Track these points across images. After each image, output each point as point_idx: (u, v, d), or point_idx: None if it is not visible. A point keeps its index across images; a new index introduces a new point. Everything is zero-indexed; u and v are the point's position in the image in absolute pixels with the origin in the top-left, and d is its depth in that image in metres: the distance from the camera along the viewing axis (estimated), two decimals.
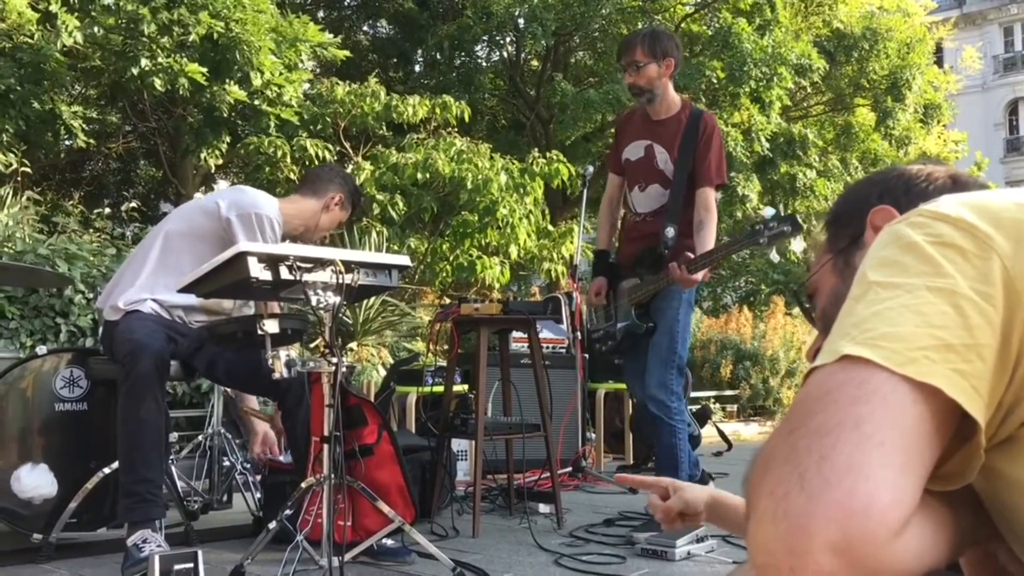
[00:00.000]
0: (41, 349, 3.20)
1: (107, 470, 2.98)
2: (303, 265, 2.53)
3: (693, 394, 7.67)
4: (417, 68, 14.51)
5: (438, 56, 13.00)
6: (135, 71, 7.25)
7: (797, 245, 3.40)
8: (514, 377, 4.04)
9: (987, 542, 0.84)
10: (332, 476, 2.54)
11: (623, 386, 5.63)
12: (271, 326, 2.68)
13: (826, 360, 0.70)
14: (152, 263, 3.09)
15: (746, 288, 16.68)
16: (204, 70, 7.33)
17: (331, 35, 9.03)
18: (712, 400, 8.84)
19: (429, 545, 2.77)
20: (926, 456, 0.67)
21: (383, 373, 6.08)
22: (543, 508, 3.91)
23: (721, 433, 6.93)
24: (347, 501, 2.87)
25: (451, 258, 8.80)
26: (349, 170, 8.35)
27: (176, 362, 3.04)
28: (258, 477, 3.79)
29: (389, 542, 2.98)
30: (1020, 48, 32.81)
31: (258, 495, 3.64)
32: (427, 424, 4.09)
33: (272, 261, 2.50)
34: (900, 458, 0.64)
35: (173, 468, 3.31)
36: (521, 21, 12.40)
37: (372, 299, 6.63)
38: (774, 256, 3.50)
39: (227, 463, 3.88)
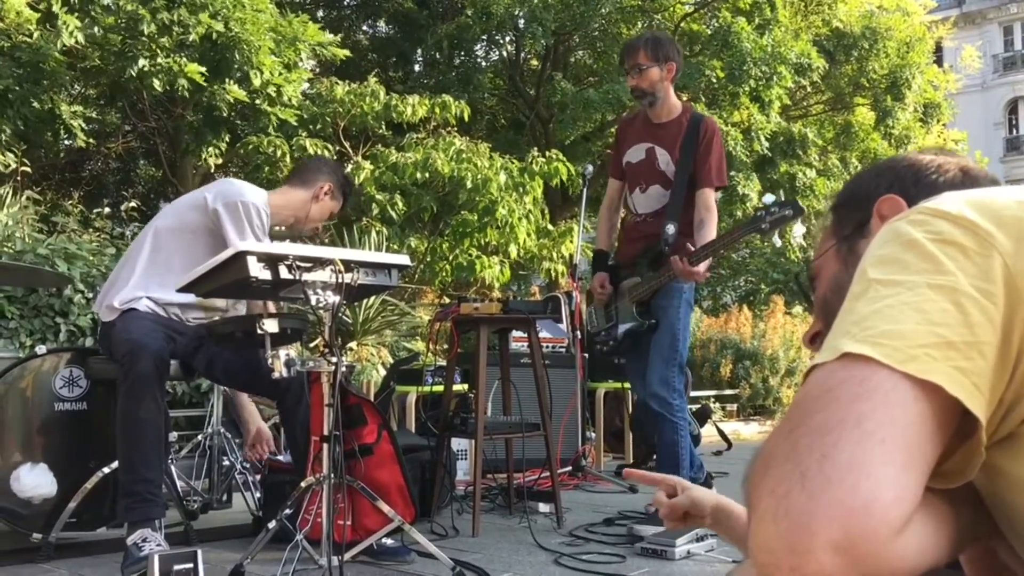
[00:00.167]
0: (40, 349, 3.20)
1: (106, 470, 2.98)
2: (303, 264, 2.53)
3: (693, 393, 7.66)
4: (417, 68, 14.51)
5: (437, 56, 13.00)
6: (134, 71, 7.25)
7: (798, 229, 3.42)
8: (514, 376, 4.04)
9: (988, 539, 0.84)
10: (332, 475, 2.54)
11: (623, 385, 5.63)
12: (270, 325, 2.68)
13: (827, 358, 0.70)
14: (144, 261, 3.08)
15: (746, 287, 16.67)
16: (203, 70, 7.33)
17: (330, 35, 9.03)
18: (712, 399, 8.83)
19: (429, 544, 2.77)
20: (927, 453, 0.67)
21: (383, 372, 6.08)
22: (543, 507, 3.91)
23: (721, 432, 6.93)
24: (347, 500, 2.87)
25: (451, 257, 8.80)
26: (349, 169, 8.35)
27: (175, 362, 3.04)
28: (258, 477, 3.79)
29: (389, 541, 2.98)
30: (1020, 47, 32.82)
31: (258, 495, 3.64)
32: (427, 423, 4.09)
33: (271, 260, 2.50)
34: (901, 456, 0.64)
35: (173, 468, 3.31)
36: (521, 21, 12.40)
37: (372, 298, 6.62)
38: (776, 240, 3.52)
39: (227, 463, 3.88)
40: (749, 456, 0.74)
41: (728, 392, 9.33)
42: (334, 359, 2.58)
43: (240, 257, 2.48)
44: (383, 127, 9.12)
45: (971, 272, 0.70)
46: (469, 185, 8.12)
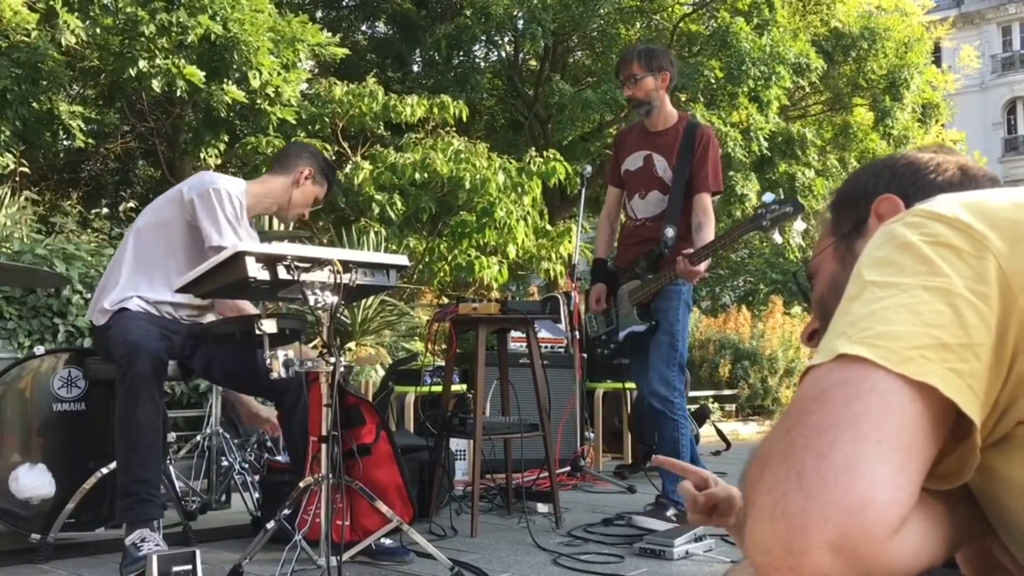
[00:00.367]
0: (39, 349, 3.20)
1: (105, 470, 2.97)
2: (301, 265, 2.53)
3: (692, 393, 7.66)
4: (415, 68, 14.50)
5: (436, 56, 12.99)
6: (133, 72, 7.25)
7: (799, 226, 3.46)
8: (512, 377, 4.05)
9: (984, 539, 0.84)
10: (330, 476, 2.54)
11: (621, 385, 5.63)
12: (269, 326, 2.68)
13: (823, 359, 0.70)
14: (129, 262, 3.08)
15: (745, 288, 16.68)
16: (202, 74, 7.33)
17: (329, 35, 9.03)
18: (710, 400, 8.84)
19: (427, 545, 2.77)
20: (923, 454, 0.67)
21: (381, 373, 6.08)
22: (541, 508, 3.91)
23: (719, 432, 6.93)
24: (345, 501, 2.86)
25: (449, 258, 8.79)
26: (348, 170, 8.35)
27: (173, 362, 3.04)
28: (256, 477, 3.80)
29: (387, 542, 2.98)
30: (1018, 48, 32.83)
31: (256, 495, 3.64)
32: (425, 424, 4.09)
33: (270, 261, 2.50)
34: (897, 457, 0.65)
35: (171, 468, 3.31)
36: (519, 21, 12.40)
37: (370, 299, 6.63)
38: (777, 238, 3.56)
39: (225, 463, 3.89)
40: (747, 456, 0.74)
41: (727, 392, 9.33)
42: (332, 359, 2.59)
43: (238, 257, 2.48)
44: (382, 127, 9.12)
45: (966, 274, 0.70)
46: (467, 185, 8.12)
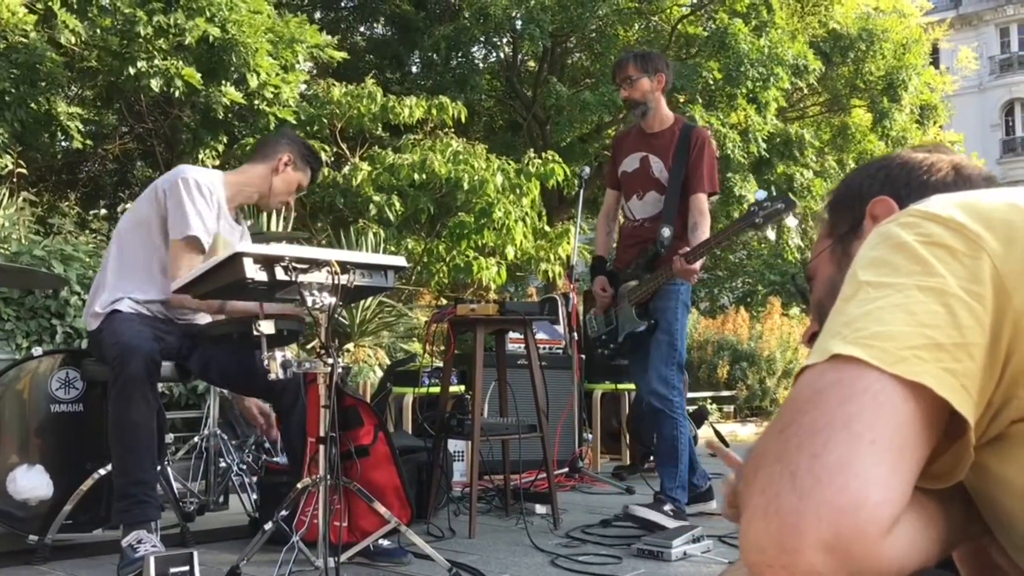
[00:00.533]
0: (37, 350, 3.20)
1: (103, 471, 2.97)
2: (299, 266, 2.53)
3: (690, 395, 7.66)
4: (414, 69, 14.51)
5: (435, 57, 13.00)
6: (131, 71, 7.25)
7: (791, 222, 3.48)
8: (511, 378, 4.05)
9: (980, 538, 0.84)
10: (328, 477, 2.54)
11: (620, 387, 5.64)
12: (267, 327, 2.67)
13: (817, 359, 0.71)
14: (113, 265, 3.07)
15: (743, 289, 16.69)
16: (200, 76, 7.33)
17: (328, 36, 9.02)
18: (709, 401, 8.84)
19: (425, 546, 2.77)
20: (916, 454, 0.67)
21: (380, 374, 6.08)
22: (539, 509, 3.91)
23: (718, 434, 6.92)
24: (343, 502, 2.87)
25: (448, 259, 8.79)
26: (346, 171, 8.35)
27: (170, 364, 3.03)
28: (254, 478, 3.80)
29: (385, 543, 2.98)
30: (1016, 49, 32.85)
31: (254, 496, 3.64)
32: (424, 425, 4.09)
33: (267, 262, 2.50)
34: (890, 456, 0.65)
35: (169, 469, 3.31)
36: (518, 23, 12.41)
37: (369, 300, 6.63)
38: (770, 234, 3.58)
39: (223, 464, 3.89)
40: (743, 456, 0.74)
41: (725, 393, 9.33)
42: (330, 360, 2.59)
43: (236, 259, 2.48)
44: (380, 128, 9.12)
45: (960, 274, 0.71)
46: (466, 186, 8.13)
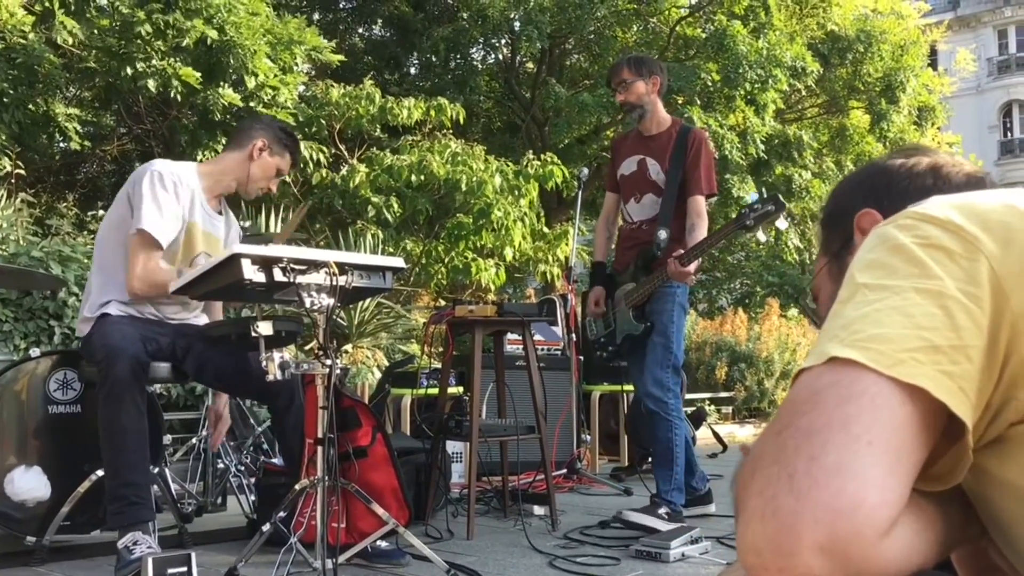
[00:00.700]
0: (35, 351, 3.19)
1: (100, 472, 2.96)
2: (297, 267, 2.53)
3: (688, 396, 7.65)
4: (412, 70, 14.51)
5: (433, 58, 13.01)
6: (129, 71, 7.24)
7: (782, 223, 3.49)
8: (509, 379, 4.05)
9: (979, 540, 0.84)
10: (326, 478, 2.54)
11: (618, 388, 5.64)
12: (265, 328, 2.67)
13: (814, 362, 0.71)
14: (96, 269, 3.06)
15: (741, 290, 16.69)
16: (198, 75, 7.32)
17: (327, 37, 9.02)
18: (707, 402, 8.83)
19: (423, 547, 2.77)
20: (914, 456, 0.67)
21: (378, 375, 6.08)
22: (538, 510, 3.91)
23: (716, 435, 6.93)
24: (341, 503, 2.87)
25: (446, 260, 8.79)
26: (344, 172, 8.34)
27: (167, 365, 3.03)
28: (252, 479, 3.79)
29: (383, 544, 2.98)
30: (1014, 51, 32.88)
31: (252, 497, 3.64)
32: (422, 426, 4.08)
33: (266, 263, 2.50)
34: (888, 458, 0.65)
35: (167, 470, 3.30)
36: (516, 24, 12.41)
37: (367, 301, 6.62)
38: (761, 236, 3.59)
39: (221, 465, 3.89)
40: (741, 457, 0.74)
41: (723, 395, 9.33)
42: (328, 362, 2.59)
43: (234, 260, 2.48)
44: (378, 130, 9.12)
45: (957, 276, 0.71)
46: (464, 188, 8.12)
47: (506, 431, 3.81)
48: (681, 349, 3.80)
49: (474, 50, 14.00)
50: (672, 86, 10.50)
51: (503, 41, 13.93)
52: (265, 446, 4.22)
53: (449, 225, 8.69)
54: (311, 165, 8.25)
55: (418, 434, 4.22)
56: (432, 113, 8.86)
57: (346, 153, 9.07)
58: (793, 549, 0.63)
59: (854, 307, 0.72)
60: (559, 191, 10.53)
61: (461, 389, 4.71)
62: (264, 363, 2.61)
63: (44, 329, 4.47)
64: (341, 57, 9.07)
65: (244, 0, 7.67)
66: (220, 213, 3.24)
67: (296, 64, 8.47)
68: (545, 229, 9.57)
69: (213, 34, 7.34)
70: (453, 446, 4.46)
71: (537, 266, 9.43)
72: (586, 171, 5.29)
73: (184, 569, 2.47)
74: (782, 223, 3.52)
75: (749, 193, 11.75)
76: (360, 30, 15.27)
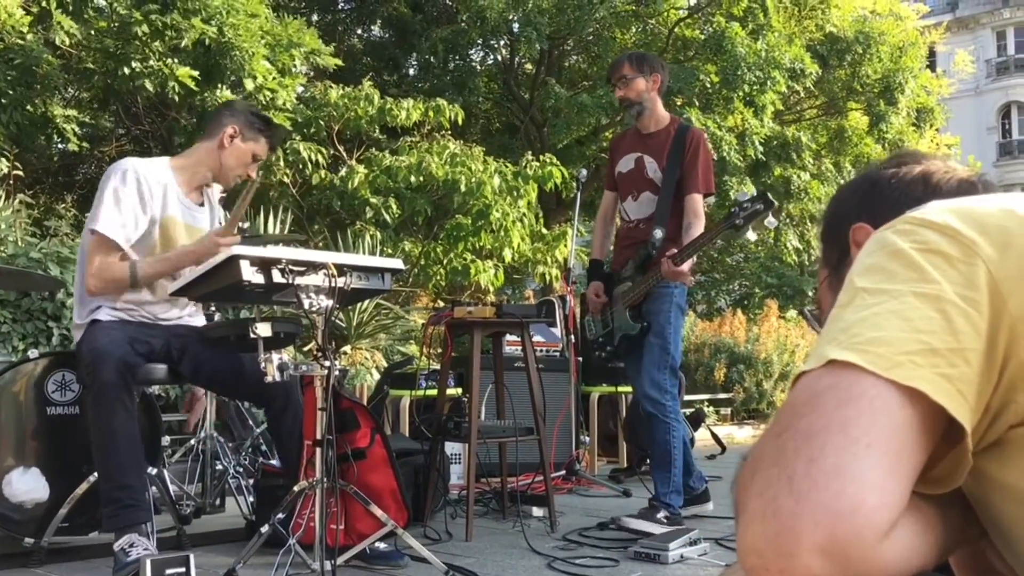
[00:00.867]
0: (33, 353, 3.19)
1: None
2: (296, 268, 2.53)
3: (687, 397, 7.67)
4: (411, 72, 14.51)
5: (432, 60, 13.00)
6: (126, 71, 7.24)
7: (771, 222, 3.48)
8: (508, 380, 4.05)
9: (978, 543, 0.84)
10: (325, 480, 2.54)
11: (617, 389, 5.63)
12: (264, 330, 2.67)
13: (813, 365, 0.71)
14: (79, 273, 3.05)
15: (740, 291, 16.70)
16: (195, 74, 7.32)
17: (326, 39, 9.01)
18: (706, 403, 8.84)
19: (422, 549, 2.77)
20: (913, 459, 0.67)
21: (376, 376, 6.08)
22: (536, 512, 3.90)
23: (715, 436, 6.94)
24: (340, 505, 2.87)
25: (445, 261, 8.79)
26: (343, 173, 8.34)
27: (164, 366, 3.02)
28: (251, 481, 3.79)
29: (382, 546, 2.98)
30: (1013, 52, 32.91)
31: (251, 499, 3.64)
32: (420, 427, 4.09)
33: (264, 264, 2.50)
34: (887, 460, 0.65)
35: (165, 472, 3.30)
36: (515, 25, 12.41)
37: (366, 302, 6.62)
38: (751, 235, 3.58)
39: (219, 467, 3.88)
40: (740, 460, 0.75)
41: (722, 396, 9.33)
42: (327, 363, 2.59)
43: (232, 261, 2.48)
44: (377, 131, 9.11)
45: (955, 280, 0.71)
46: (463, 189, 8.12)
47: (505, 432, 3.81)
48: (679, 350, 3.78)
49: (473, 51, 14.00)
50: (671, 87, 10.50)
51: (502, 42, 13.93)
52: (264, 447, 4.22)
53: (448, 226, 8.69)
54: (310, 166, 8.25)
55: (417, 435, 4.22)
56: (431, 114, 8.85)
57: (345, 154, 9.06)
58: (793, 550, 0.63)
59: (853, 311, 0.73)
60: (558, 192, 10.53)
61: (460, 390, 4.72)
62: (263, 364, 2.60)
63: (42, 330, 4.47)
64: (338, 61, 9.07)
65: (243, 0, 7.66)
66: (202, 204, 3.20)
67: (295, 66, 8.47)
68: (544, 230, 9.57)
69: (212, 32, 7.34)
70: (452, 447, 4.46)
71: (536, 267, 9.43)
72: (585, 172, 5.28)
73: (182, 570, 2.47)
74: (771, 221, 3.51)
75: (750, 193, 11.75)
76: (359, 31, 15.27)
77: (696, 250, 3.62)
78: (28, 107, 7.33)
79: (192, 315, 3.24)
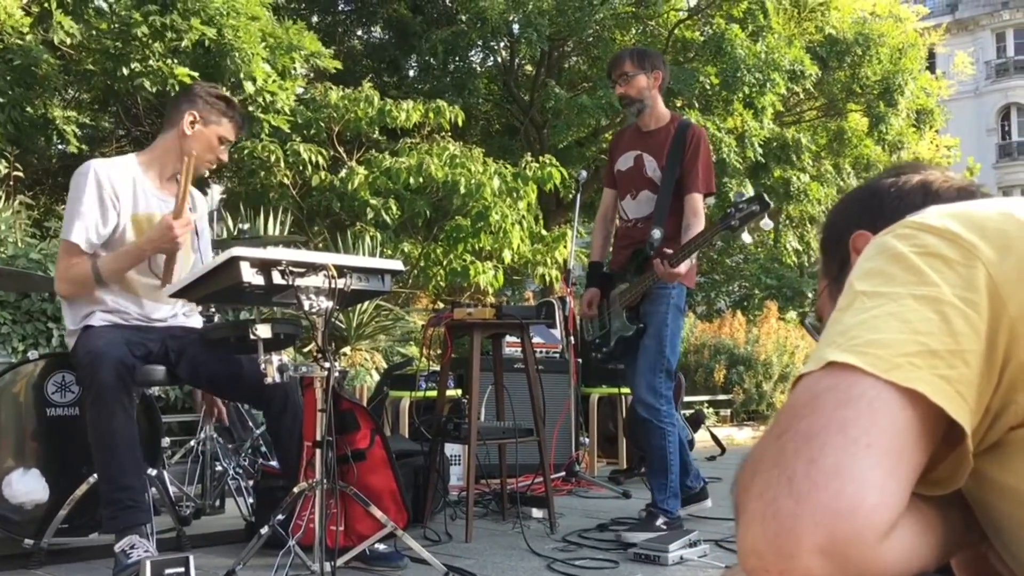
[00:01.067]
0: (33, 354, 3.19)
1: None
2: (296, 270, 2.53)
3: (686, 398, 7.67)
4: (411, 73, 14.51)
5: (432, 61, 13.00)
6: (126, 71, 7.24)
7: (767, 224, 3.45)
8: (507, 381, 4.05)
9: (979, 545, 0.84)
10: (324, 481, 2.54)
11: (617, 390, 5.63)
12: (264, 331, 2.67)
13: (813, 367, 0.71)
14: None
15: (740, 293, 16.69)
16: (195, 74, 7.32)
17: (325, 40, 9.01)
18: (705, 404, 8.84)
19: (422, 550, 2.78)
20: (913, 460, 0.67)
21: (376, 378, 6.08)
22: (536, 513, 3.90)
23: (714, 437, 6.94)
24: (339, 506, 2.87)
25: (444, 262, 8.79)
26: (343, 174, 8.35)
27: (162, 368, 3.01)
28: (250, 482, 3.79)
29: (381, 547, 2.97)
30: (1012, 54, 32.92)
31: (250, 500, 3.64)
32: (420, 429, 4.09)
33: (264, 266, 2.50)
34: (887, 461, 0.65)
35: (165, 473, 3.30)
36: (515, 27, 12.41)
37: (366, 303, 6.62)
38: (746, 237, 3.54)
39: (219, 468, 3.88)
40: (740, 462, 0.75)
41: (722, 397, 9.33)
42: (327, 364, 2.59)
43: (233, 262, 2.48)
44: (377, 132, 9.11)
45: (954, 282, 0.71)
46: (463, 190, 8.12)
47: (504, 434, 3.81)
48: (676, 352, 3.70)
49: (473, 53, 14.00)
50: (671, 89, 10.51)
51: (502, 44, 13.93)
52: (263, 449, 4.21)
53: (447, 227, 8.69)
54: (310, 167, 8.25)
55: (416, 437, 4.22)
56: (431, 115, 8.86)
57: (345, 155, 9.07)
58: (793, 551, 0.63)
59: (852, 314, 0.73)
60: (558, 193, 10.54)
61: (460, 391, 4.71)
62: (263, 366, 2.60)
63: (42, 331, 4.46)
64: (338, 64, 9.07)
65: (243, 1, 7.67)
66: None
67: (295, 69, 8.47)
68: (543, 232, 9.57)
69: (211, 33, 7.34)
70: (451, 449, 4.47)
71: (536, 269, 9.43)
72: (584, 174, 5.27)
73: (182, 570, 2.47)
74: (767, 223, 3.47)
75: (750, 194, 11.75)
76: (359, 33, 15.27)
77: (692, 251, 3.51)
78: (28, 108, 7.33)
79: (188, 314, 3.22)
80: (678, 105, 11.71)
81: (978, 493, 0.78)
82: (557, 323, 5.24)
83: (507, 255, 8.64)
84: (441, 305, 9.19)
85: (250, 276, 2.48)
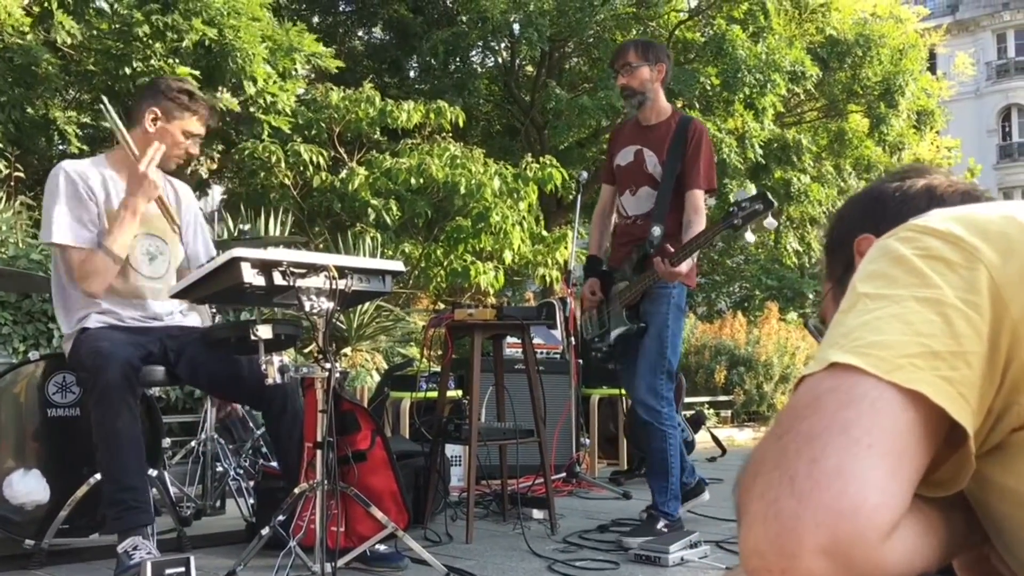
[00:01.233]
0: (34, 354, 3.19)
1: (99, 476, 2.96)
2: (296, 270, 2.53)
3: (687, 399, 7.66)
4: (412, 74, 14.51)
5: (433, 62, 13.01)
6: (127, 70, 7.24)
7: (770, 223, 3.41)
8: (508, 382, 4.05)
9: (981, 546, 0.84)
10: (325, 482, 2.54)
11: (617, 391, 5.63)
12: (264, 332, 2.67)
13: (815, 368, 0.71)
14: (56, 286, 3.03)
15: (740, 294, 16.69)
16: (196, 73, 7.32)
17: (326, 41, 9.01)
18: (706, 405, 8.83)
19: (422, 551, 2.78)
20: (916, 461, 0.67)
21: (377, 378, 6.08)
22: (537, 514, 3.90)
23: (715, 438, 6.93)
24: (340, 507, 2.87)
25: (445, 263, 8.79)
26: (343, 175, 8.35)
27: (161, 368, 3.01)
28: (251, 483, 3.79)
29: (382, 548, 2.97)
30: (1013, 55, 32.92)
31: (251, 501, 3.64)
32: (421, 430, 4.09)
33: (265, 266, 2.51)
34: (889, 461, 0.65)
35: (166, 474, 3.30)
36: (516, 27, 12.41)
37: (366, 304, 6.63)
38: (750, 236, 3.51)
39: (220, 469, 3.88)
40: (741, 462, 0.75)
41: (722, 398, 9.32)
42: (328, 365, 2.59)
43: (234, 263, 2.48)
44: (378, 133, 9.11)
45: (957, 285, 0.72)
46: (463, 191, 8.12)
47: (505, 435, 3.81)
48: (677, 353, 3.65)
49: (473, 53, 14.00)
50: (672, 90, 10.51)
51: (503, 44, 13.93)
52: (264, 449, 4.21)
53: (448, 228, 8.69)
54: (310, 168, 8.26)
55: (417, 437, 4.22)
56: (431, 116, 8.86)
57: (345, 156, 9.07)
58: (795, 551, 0.63)
59: (855, 316, 0.73)
60: (558, 194, 10.54)
61: (460, 392, 4.71)
62: (263, 367, 2.60)
63: (43, 332, 4.46)
64: (339, 63, 9.08)
65: (243, 1, 7.67)
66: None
67: (296, 70, 8.47)
68: (544, 232, 9.57)
69: (212, 33, 7.34)
70: (452, 449, 4.47)
71: (536, 269, 9.43)
72: (585, 174, 5.25)
73: (182, 570, 2.47)
74: (771, 222, 3.43)
75: (750, 195, 11.75)
76: (360, 33, 15.28)
77: (693, 250, 3.45)
78: (29, 108, 7.33)
79: (185, 313, 3.22)
80: (679, 106, 11.69)
81: (980, 495, 0.79)
82: (558, 324, 5.24)
83: (508, 256, 8.63)
84: (442, 306, 9.19)
85: (251, 277, 2.48)
